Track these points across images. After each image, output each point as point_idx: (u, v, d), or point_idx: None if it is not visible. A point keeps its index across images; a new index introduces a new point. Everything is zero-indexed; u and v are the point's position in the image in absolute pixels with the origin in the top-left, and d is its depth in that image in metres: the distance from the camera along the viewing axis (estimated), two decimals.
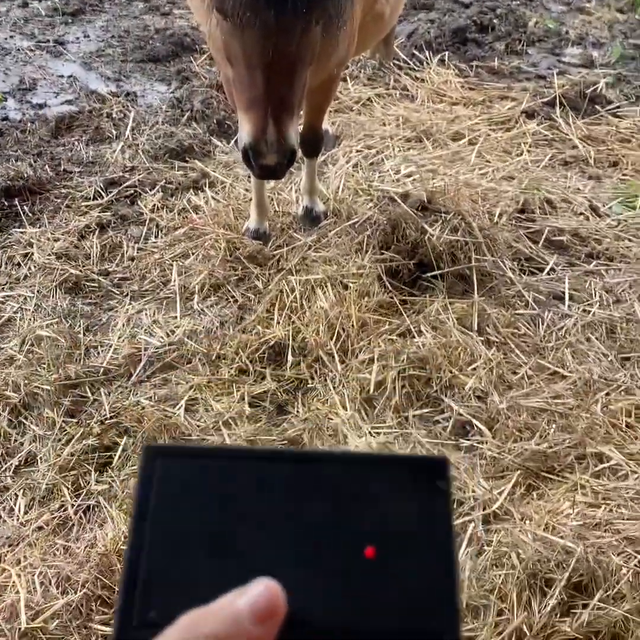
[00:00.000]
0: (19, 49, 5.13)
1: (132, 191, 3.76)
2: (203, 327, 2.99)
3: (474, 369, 2.79)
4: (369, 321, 2.96)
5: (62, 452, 2.53)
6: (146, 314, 3.08)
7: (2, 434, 2.63)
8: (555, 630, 2.01)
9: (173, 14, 5.65)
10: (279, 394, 2.76)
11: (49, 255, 3.34)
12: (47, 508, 2.40)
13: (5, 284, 3.25)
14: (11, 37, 5.32)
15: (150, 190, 3.75)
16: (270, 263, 3.27)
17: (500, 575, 2.12)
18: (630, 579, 2.09)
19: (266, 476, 0.58)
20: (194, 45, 5.12)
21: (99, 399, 2.72)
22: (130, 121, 4.25)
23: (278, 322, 2.97)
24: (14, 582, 2.16)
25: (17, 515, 2.39)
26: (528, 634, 2.01)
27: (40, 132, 4.17)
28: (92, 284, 3.24)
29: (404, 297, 3.11)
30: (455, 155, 4.07)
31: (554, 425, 2.57)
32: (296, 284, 3.08)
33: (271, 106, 2.22)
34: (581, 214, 3.69)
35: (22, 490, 2.47)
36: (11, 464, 2.54)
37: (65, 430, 2.62)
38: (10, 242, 3.46)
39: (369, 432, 2.58)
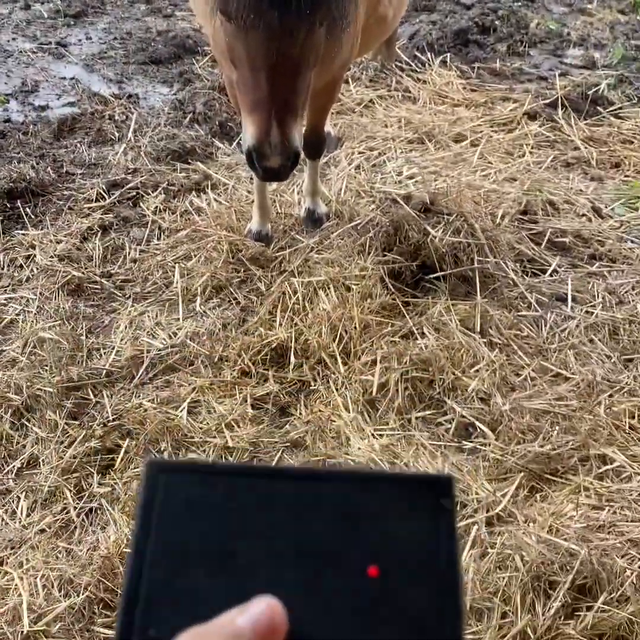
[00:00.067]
0: (21, 51, 5.13)
1: (135, 193, 3.76)
2: (205, 329, 2.98)
3: (477, 370, 2.79)
4: (371, 323, 2.96)
5: (64, 455, 2.53)
6: (148, 316, 3.08)
7: (4, 436, 2.62)
8: (559, 633, 2.00)
9: (175, 16, 5.66)
10: (281, 396, 2.76)
11: (52, 257, 3.34)
12: (49, 510, 2.40)
13: (7, 286, 3.25)
14: (13, 39, 5.32)
15: (153, 192, 3.75)
16: (273, 265, 3.27)
17: (503, 578, 2.11)
18: (634, 581, 2.09)
19: (269, 493, 0.58)
20: (196, 47, 5.13)
21: (101, 401, 2.72)
22: (132, 123, 4.25)
23: (280, 324, 2.96)
24: (16, 585, 2.16)
25: (20, 518, 2.39)
26: (532, 636, 2.00)
27: (43, 134, 4.17)
28: (95, 286, 3.24)
29: (406, 299, 3.11)
30: (458, 156, 4.07)
31: (557, 427, 2.57)
32: (298, 285, 3.08)
33: (275, 108, 2.22)
34: (584, 215, 3.69)
35: (24, 493, 2.46)
36: (13, 466, 2.54)
37: (68, 432, 2.61)
38: (12, 244, 3.46)
39: (372, 434, 2.58)
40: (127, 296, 3.20)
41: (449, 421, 2.66)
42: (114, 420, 2.65)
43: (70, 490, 2.44)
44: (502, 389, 2.73)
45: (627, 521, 2.28)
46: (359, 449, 2.51)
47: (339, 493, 0.58)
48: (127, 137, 4.16)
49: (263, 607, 0.51)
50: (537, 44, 5.41)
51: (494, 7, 5.71)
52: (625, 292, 3.24)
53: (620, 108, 4.55)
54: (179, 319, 3.07)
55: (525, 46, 5.32)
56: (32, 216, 3.60)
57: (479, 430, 2.61)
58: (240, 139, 3.81)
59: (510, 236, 3.43)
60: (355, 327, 2.92)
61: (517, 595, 2.06)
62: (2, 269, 3.34)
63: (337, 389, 2.74)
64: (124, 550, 2.20)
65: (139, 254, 3.41)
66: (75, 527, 2.35)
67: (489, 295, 3.15)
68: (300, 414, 2.69)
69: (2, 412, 2.66)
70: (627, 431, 2.60)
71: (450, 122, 4.36)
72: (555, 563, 2.10)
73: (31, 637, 2.05)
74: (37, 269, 3.30)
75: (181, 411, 2.66)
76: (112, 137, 4.19)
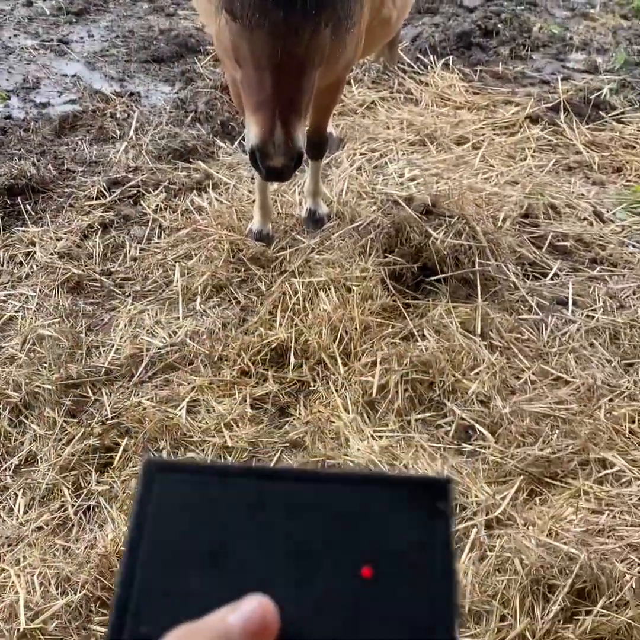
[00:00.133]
0: (22, 48, 5.13)
1: (135, 191, 3.75)
2: (205, 328, 2.98)
3: (477, 373, 2.78)
4: (371, 324, 2.95)
5: (62, 452, 2.52)
6: (148, 315, 3.07)
7: (2, 433, 2.61)
8: (558, 636, 2.00)
9: (178, 15, 5.65)
10: (280, 396, 2.75)
11: (52, 254, 3.33)
12: (47, 508, 2.39)
13: (7, 283, 3.24)
14: (15, 35, 5.31)
15: (154, 190, 3.74)
16: (273, 265, 3.26)
17: (502, 581, 2.11)
18: (634, 586, 2.09)
19: (265, 494, 0.57)
20: (199, 46, 5.12)
21: (100, 399, 2.71)
22: (133, 121, 4.25)
23: (280, 324, 2.96)
24: (13, 582, 2.15)
25: (17, 515, 2.38)
26: None
27: (44, 131, 4.16)
28: (94, 284, 3.23)
29: (407, 301, 3.10)
30: (459, 159, 4.07)
31: (557, 431, 2.56)
32: (299, 286, 3.08)
33: (279, 108, 2.21)
34: (585, 219, 3.69)
35: (22, 490, 2.45)
36: (11, 464, 2.53)
37: (66, 430, 2.61)
38: (12, 241, 3.45)
39: (371, 436, 2.57)
40: (127, 294, 3.19)
41: (448, 423, 2.65)
42: (112, 418, 2.64)
43: (68, 488, 2.44)
44: (502, 391, 2.73)
45: (626, 525, 2.27)
46: (358, 450, 2.51)
47: (335, 494, 0.58)
48: (128, 135, 4.16)
49: (254, 605, 0.51)
50: (540, 48, 5.41)
51: (497, 11, 5.71)
52: (626, 296, 3.24)
53: (622, 113, 4.56)
54: (178, 317, 3.06)
55: (527, 50, 5.32)
56: (33, 213, 3.60)
57: (478, 432, 2.61)
58: (242, 139, 3.81)
59: (512, 239, 3.43)
60: (355, 328, 2.91)
61: (516, 598, 2.06)
62: (2, 265, 3.33)
63: (336, 390, 2.74)
64: (122, 548, 2.20)
65: (140, 252, 3.40)
66: (73, 525, 2.34)
67: (490, 298, 3.14)
68: (300, 414, 2.68)
69: (0, 408, 2.66)
70: (627, 436, 2.60)
71: (452, 124, 4.36)
72: (555, 567, 2.10)
73: (28, 634, 2.04)
74: (37, 266, 3.29)
75: (180, 410, 2.65)
76: (114, 135, 4.18)
